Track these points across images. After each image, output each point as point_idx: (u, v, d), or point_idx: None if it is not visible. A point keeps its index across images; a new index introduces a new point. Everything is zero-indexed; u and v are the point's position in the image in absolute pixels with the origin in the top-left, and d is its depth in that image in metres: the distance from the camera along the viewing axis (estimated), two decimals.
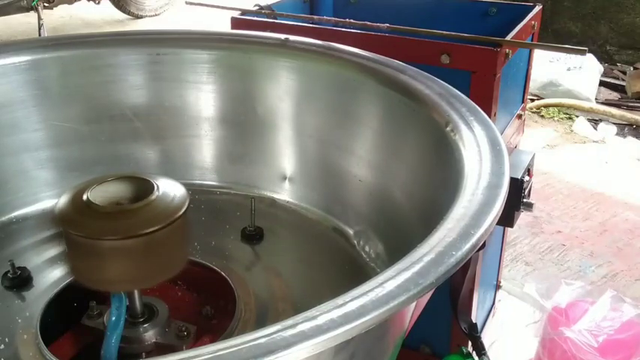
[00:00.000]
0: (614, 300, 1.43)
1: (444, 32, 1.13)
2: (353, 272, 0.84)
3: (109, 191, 0.64)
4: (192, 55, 1.00)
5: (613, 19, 3.74)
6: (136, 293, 0.68)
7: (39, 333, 0.68)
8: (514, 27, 1.20)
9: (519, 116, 1.45)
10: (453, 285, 0.92)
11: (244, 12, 1.32)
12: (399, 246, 0.75)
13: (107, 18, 5.08)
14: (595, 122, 3.21)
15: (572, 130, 3.14)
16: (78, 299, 0.72)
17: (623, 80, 3.63)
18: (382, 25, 1.19)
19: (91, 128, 0.98)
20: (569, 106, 3.34)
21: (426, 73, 0.85)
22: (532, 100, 3.34)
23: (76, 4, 4.66)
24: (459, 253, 0.49)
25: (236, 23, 1.27)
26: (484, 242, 0.53)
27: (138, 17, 5.10)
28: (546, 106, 3.36)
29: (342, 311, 0.43)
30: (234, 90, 1.00)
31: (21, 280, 0.79)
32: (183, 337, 0.69)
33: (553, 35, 3.76)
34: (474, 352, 1.00)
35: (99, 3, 4.82)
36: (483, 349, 0.98)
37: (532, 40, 1.35)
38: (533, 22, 1.31)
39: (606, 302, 1.41)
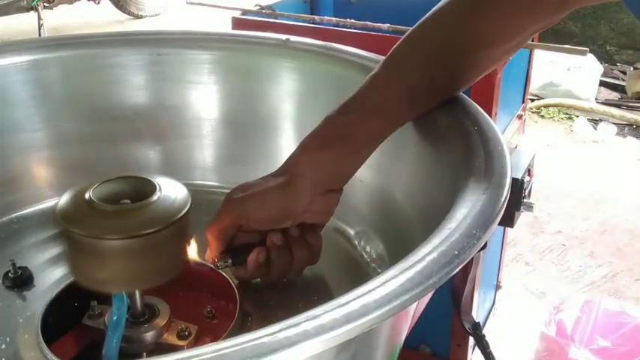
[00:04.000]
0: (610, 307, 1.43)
1: None
2: (354, 273, 0.84)
3: (110, 191, 0.64)
4: (193, 56, 1.00)
5: (613, 19, 3.74)
6: (137, 293, 0.68)
7: (40, 333, 0.68)
8: None
9: (520, 116, 1.45)
10: (455, 286, 0.92)
11: (245, 12, 1.32)
12: (400, 246, 0.75)
13: (107, 18, 5.08)
14: (595, 122, 3.21)
15: (572, 130, 3.14)
16: (79, 299, 0.72)
17: (623, 80, 3.63)
18: (383, 25, 1.19)
19: (92, 128, 0.98)
20: (569, 106, 3.34)
21: None
22: (532, 100, 3.34)
23: (76, 4, 4.67)
24: (462, 252, 0.49)
25: (237, 23, 1.28)
26: (485, 243, 0.53)
27: (138, 17, 5.11)
28: (546, 106, 3.36)
29: (345, 310, 0.43)
30: (235, 90, 1.00)
31: (22, 280, 0.79)
32: (184, 337, 0.69)
33: (553, 35, 3.76)
34: (480, 351, 1.00)
35: (99, 3, 4.83)
36: (488, 347, 0.98)
37: (532, 40, 1.35)
38: None
39: (602, 312, 1.41)
